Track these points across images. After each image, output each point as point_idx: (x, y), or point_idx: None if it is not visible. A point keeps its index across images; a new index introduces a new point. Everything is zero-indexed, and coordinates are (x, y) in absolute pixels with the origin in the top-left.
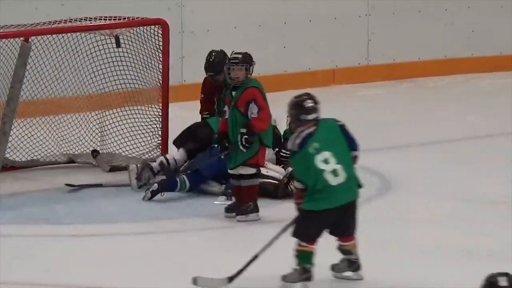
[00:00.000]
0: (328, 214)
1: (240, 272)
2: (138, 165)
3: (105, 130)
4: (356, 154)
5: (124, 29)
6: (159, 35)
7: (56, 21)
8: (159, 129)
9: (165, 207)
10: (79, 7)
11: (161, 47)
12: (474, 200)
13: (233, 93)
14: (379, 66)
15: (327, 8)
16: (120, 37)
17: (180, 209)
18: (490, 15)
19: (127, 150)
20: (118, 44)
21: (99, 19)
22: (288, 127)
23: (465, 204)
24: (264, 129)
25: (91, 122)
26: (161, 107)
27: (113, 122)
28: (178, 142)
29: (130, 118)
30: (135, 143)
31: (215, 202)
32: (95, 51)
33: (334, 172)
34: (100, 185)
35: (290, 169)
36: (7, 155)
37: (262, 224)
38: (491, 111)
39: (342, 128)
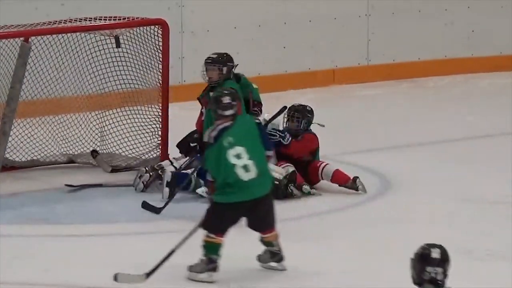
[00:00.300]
0: (238, 207)
1: (157, 267)
2: (152, 173)
3: (105, 130)
4: (269, 154)
5: (124, 29)
6: (159, 35)
7: (56, 21)
8: (159, 129)
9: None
10: (79, 7)
11: (161, 47)
12: (474, 200)
13: (211, 93)
14: (379, 66)
15: (327, 8)
16: (120, 37)
17: (180, 209)
18: (490, 15)
19: (127, 150)
20: (118, 44)
21: (99, 19)
22: (285, 125)
23: (465, 204)
24: None
25: (91, 122)
26: (161, 107)
27: (113, 122)
28: (182, 148)
29: (130, 118)
30: (135, 143)
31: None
32: (95, 51)
33: (245, 168)
34: (100, 185)
35: (290, 170)
36: (7, 155)
37: None
38: (491, 111)
39: (259, 127)
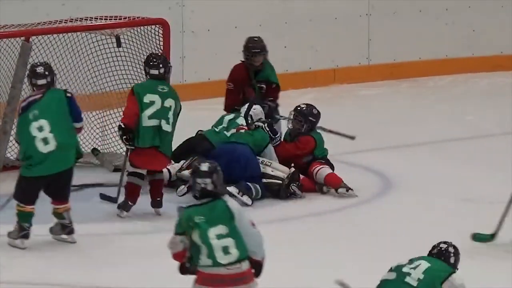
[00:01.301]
0: (41, 180)
1: None
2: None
3: (106, 130)
4: (78, 125)
5: (124, 28)
6: (160, 34)
7: (57, 20)
8: None
9: (165, 207)
10: (79, 6)
11: (161, 47)
12: (474, 200)
13: None
14: (379, 66)
15: (327, 7)
16: (121, 36)
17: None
18: (490, 15)
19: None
20: (118, 44)
21: (99, 19)
22: (289, 126)
23: (465, 204)
24: (122, 121)
25: (92, 122)
26: None
27: (114, 122)
28: (177, 156)
29: None
30: None
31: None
32: (95, 51)
33: (45, 140)
34: (100, 185)
35: (293, 169)
36: (8, 155)
37: (265, 224)
38: (491, 111)
39: (69, 100)
